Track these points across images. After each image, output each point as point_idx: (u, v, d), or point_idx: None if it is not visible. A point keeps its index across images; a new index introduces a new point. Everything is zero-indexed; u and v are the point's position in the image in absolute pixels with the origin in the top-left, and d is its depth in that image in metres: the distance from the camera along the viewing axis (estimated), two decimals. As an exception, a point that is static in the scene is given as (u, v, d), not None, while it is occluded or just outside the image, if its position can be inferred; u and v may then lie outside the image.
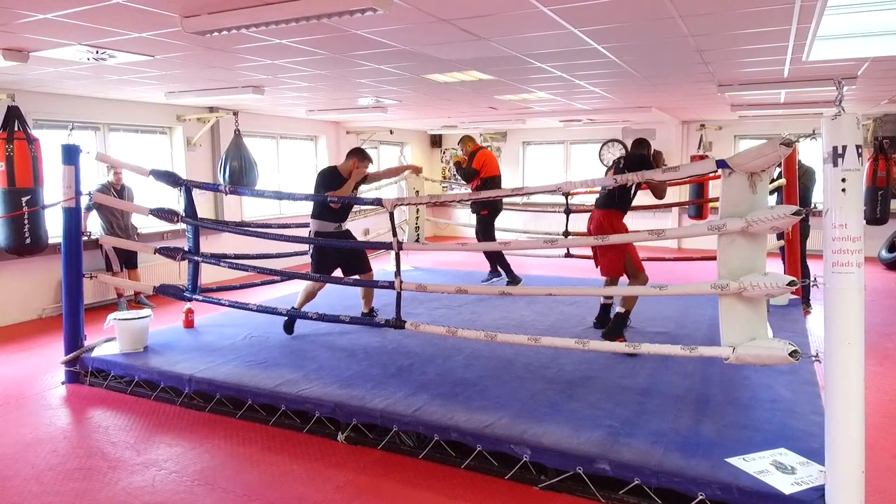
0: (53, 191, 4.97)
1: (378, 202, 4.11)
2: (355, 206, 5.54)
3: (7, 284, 6.53)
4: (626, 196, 4.81)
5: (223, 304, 4.78)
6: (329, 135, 11.19)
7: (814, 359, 2.72)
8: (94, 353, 4.74)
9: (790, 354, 2.75)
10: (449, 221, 12.55)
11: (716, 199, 4.78)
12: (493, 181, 7.02)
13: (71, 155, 4.67)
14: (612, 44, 4.56)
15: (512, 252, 7.05)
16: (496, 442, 3.25)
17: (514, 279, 7.05)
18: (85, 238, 5.43)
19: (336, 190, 4.91)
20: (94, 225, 6.94)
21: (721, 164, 2.90)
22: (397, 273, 3.97)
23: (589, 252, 6.61)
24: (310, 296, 5.16)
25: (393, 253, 3.96)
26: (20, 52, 4.56)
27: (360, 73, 5.74)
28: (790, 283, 2.78)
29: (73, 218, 4.73)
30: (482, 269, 7.65)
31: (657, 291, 3.33)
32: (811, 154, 7.41)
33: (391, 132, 12.30)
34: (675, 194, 10.09)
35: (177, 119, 8.37)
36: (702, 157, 9.76)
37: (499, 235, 7.33)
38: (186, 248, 4.73)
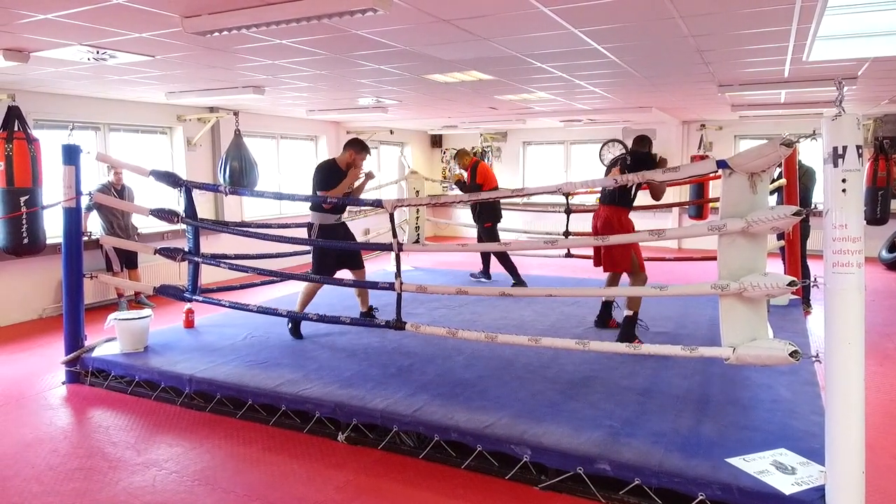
0: (53, 191, 4.98)
1: (378, 203, 4.11)
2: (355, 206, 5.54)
3: (7, 284, 6.53)
4: (632, 193, 4.83)
5: (223, 305, 4.78)
6: (329, 135, 11.20)
7: (814, 359, 2.72)
8: (95, 353, 4.74)
9: (790, 355, 2.75)
10: (449, 221, 12.54)
11: (716, 200, 4.77)
12: (493, 191, 7.19)
13: (71, 155, 4.67)
14: (612, 44, 4.56)
15: (512, 252, 7.05)
16: (496, 442, 3.25)
17: (519, 282, 7.04)
18: (85, 238, 5.43)
19: (334, 184, 4.88)
20: (94, 225, 6.95)
21: (721, 164, 2.90)
22: (397, 274, 3.97)
23: (589, 252, 6.63)
24: (309, 296, 5.15)
25: (393, 254, 3.96)
26: (21, 52, 4.56)
27: (360, 73, 5.74)
28: (790, 284, 2.78)
29: (73, 218, 4.73)
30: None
31: (657, 292, 3.34)
32: (811, 154, 7.41)
33: (391, 132, 12.30)
34: (675, 194, 10.08)
35: (177, 119, 8.37)
36: (702, 158, 9.76)
37: (500, 236, 7.35)
38: (186, 249, 4.74)
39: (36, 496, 3.10)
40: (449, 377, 4.14)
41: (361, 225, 10.16)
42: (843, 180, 2.46)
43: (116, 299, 7.17)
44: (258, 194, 5.38)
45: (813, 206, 6.77)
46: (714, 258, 3.03)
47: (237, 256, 5.70)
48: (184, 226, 4.79)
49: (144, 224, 7.44)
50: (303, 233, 5.23)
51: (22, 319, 6.67)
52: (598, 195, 5.16)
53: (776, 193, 6.10)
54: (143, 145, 8.20)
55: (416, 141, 13.78)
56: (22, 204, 5.37)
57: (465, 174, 7.38)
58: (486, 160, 12.69)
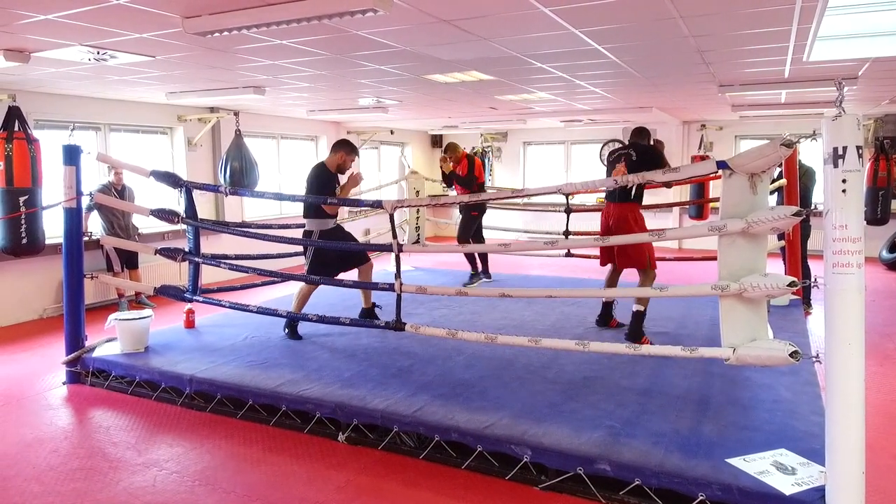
0: (53, 191, 4.98)
1: (378, 204, 4.12)
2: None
3: (8, 284, 6.53)
4: (641, 188, 4.81)
5: (224, 306, 4.78)
6: (329, 135, 11.18)
7: (814, 359, 2.73)
8: (95, 354, 4.74)
9: (790, 355, 2.75)
10: (449, 221, 12.49)
11: (716, 200, 4.77)
12: (482, 185, 7.42)
13: (72, 155, 4.67)
14: (612, 44, 4.56)
15: (513, 252, 7.05)
16: (497, 442, 3.25)
17: (477, 276, 7.28)
18: (86, 238, 5.44)
19: (331, 188, 4.92)
20: (94, 225, 6.95)
21: (722, 164, 2.90)
22: (397, 275, 3.97)
23: (589, 252, 6.63)
24: (304, 299, 5.12)
25: (393, 255, 3.96)
26: (21, 52, 4.57)
27: (360, 73, 5.74)
28: (791, 284, 2.78)
29: (74, 218, 4.73)
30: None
31: (658, 293, 3.34)
32: (812, 154, 7.40)
33: (392, 132, 12.30)
34: (675, 194, 10.08)
35: (177, 119, 8.37)
36: (702, 158, 9.78)
37: (499, 236, 7.35)
38: (187, 249, 4.74)
39: (36, 496, 3.10)
40: (449, 377, 4.14)
41: (361, 225, 10.15)
42: (844, 181, 2.46)
43: (117, 299, 7.17)
44: (258, 195, 5.38)
45: (813, 206, 6.76)
46: (714, 258, 3.03)
47: (237, 257, 5.71)
48: (184, 226, 4.79)
49: (145, 224, 7.45)
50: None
51: (23, 319, 6.68)
52: (602, 194, 5.16)
53: (776, 194, 6.09)
54: (143, 145, 8.20)
55: (417, 141, 13.78)
56: (21, 204, 5.38)
57: (454, 166, 7.35)
58: (486, 160, 12.69)
